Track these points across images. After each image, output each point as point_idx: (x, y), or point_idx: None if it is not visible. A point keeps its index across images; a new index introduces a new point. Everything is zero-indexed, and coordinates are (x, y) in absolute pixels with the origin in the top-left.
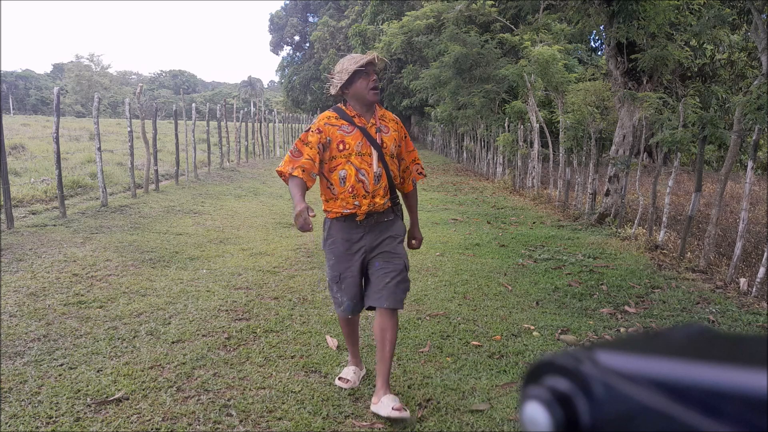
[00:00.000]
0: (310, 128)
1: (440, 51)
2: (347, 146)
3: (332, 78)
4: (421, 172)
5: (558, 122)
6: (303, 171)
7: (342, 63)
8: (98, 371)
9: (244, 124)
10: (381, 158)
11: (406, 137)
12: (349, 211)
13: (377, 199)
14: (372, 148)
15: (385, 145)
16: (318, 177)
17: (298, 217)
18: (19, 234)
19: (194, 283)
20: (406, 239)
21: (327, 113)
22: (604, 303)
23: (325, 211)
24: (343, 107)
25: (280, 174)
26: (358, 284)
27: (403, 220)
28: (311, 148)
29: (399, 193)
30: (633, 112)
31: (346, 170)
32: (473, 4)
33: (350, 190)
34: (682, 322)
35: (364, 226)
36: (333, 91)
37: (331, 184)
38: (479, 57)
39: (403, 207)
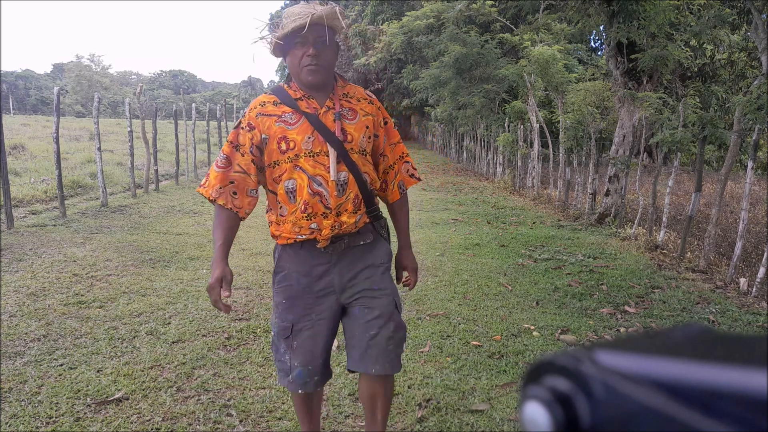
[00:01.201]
0: (239, 122)
1: (440, 51)
2: (291, 144)
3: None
4: (413, 174)
5: (558, 122)
6: (233, 194)
7: (284, 14)
8: (98, 371)
9: None
10: (344, 157)
11: (386, 123)
12: (304, 237)
13: (344, 218)
14: (328, 144)
15: (349, 137)
16: (261, 189)
17: (210, 292)
18: (19, 234)
19: (194, 283)
20: (393, 267)
21: (262, 97)
22: (604, 303)
23: (273, 236)
24: (286, 87)
25: (206, 197)
26: (322, 343)
27: (389, 240)
28: (243, 155)
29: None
30: (633, 112)
31: (295, 180)
32: (473, 4)
33: (303, 208)
34: (682, 322)
35: (330, 255)
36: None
37: (278, 201)
38: (479, 57)
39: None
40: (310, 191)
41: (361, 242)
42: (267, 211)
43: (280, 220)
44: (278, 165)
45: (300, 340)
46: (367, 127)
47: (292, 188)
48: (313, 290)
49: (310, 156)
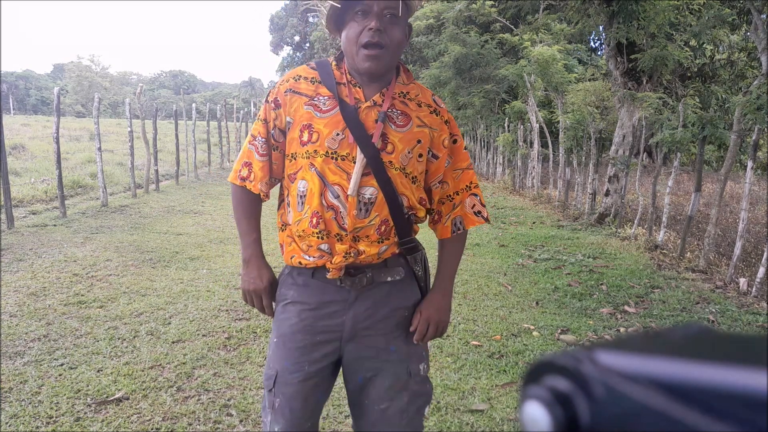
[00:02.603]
0: (268, 93)
1: (440, 51)
2: (315, 136)
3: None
4: (479, 212)
5: (558, 122)
6: (260, 179)
7: None
8: (98, 371)
9: (244, 124)
10: (376, 170)
11: (456, 142)
12: (313, 259)
13: (363, 245)
14: (358, 147)
15: (390, 146)
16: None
17: (254, 296)
18: (19, 234)
19: (194, 283)
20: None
21: (301, 69)
22: (604, 303)
23: (280, 244)
24: (334, 63)
25: (255, 193)
26: (313, 402)
27: (427, 279)
28: (264, 135)
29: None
30: (633, 112)
31: (307, 182)
32: (473, 4)
33: (313, 221)
34: (682, 322)
35: (347, 291)
36: (323, 25)
37: (288, 202)
38: (479, 57)
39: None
40: (324, 203)
41: (389, 278)
42: (278, 207)
43: (286, 227)
44: (295, 159)
45: (284, 399)
46: (419, 141)
47: (303, 192)
48: (314, 330)
49: (332, 157)
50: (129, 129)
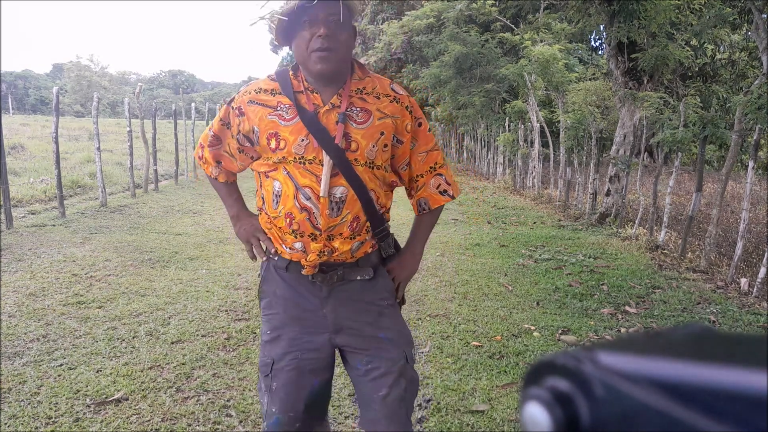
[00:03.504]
0: (232, 99)
1: (440, 50)
2: (282, 144)
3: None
4: (445, 191)
5: (558, 122)
6: (211, 165)
7: None
8: (97, 372)
9: None
10: (343, 169)
11: (420, 125)
12: (289, 252)
13: (337, 243)
14: (323, 151)
15: (353, 145)
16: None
17: (247, 242)
18: (18, 234)
19: (194, 284)
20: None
21: (262, 82)
22: (605, 303)
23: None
24: (292, 74)
25: (207, 174)
26: (308, 385)
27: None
28: (232, 136)
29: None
30: (634, 111)
31: (281, 183)
32: (473, 4)
33: (287, 221)
34: (683, 323)
35: (318, 287)
36: (274, 37)
37: (263, 196)
38: (479, 56)
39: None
40: (297, 205)
41: (359, 277)
42: (256, 191)
43: (264, 217)
44: (267, 160)
45: (280, 382)
46: (382, 134)
47: (278, 192)
48: (301, 322)
49: (300, 162)
50: (128, 129)
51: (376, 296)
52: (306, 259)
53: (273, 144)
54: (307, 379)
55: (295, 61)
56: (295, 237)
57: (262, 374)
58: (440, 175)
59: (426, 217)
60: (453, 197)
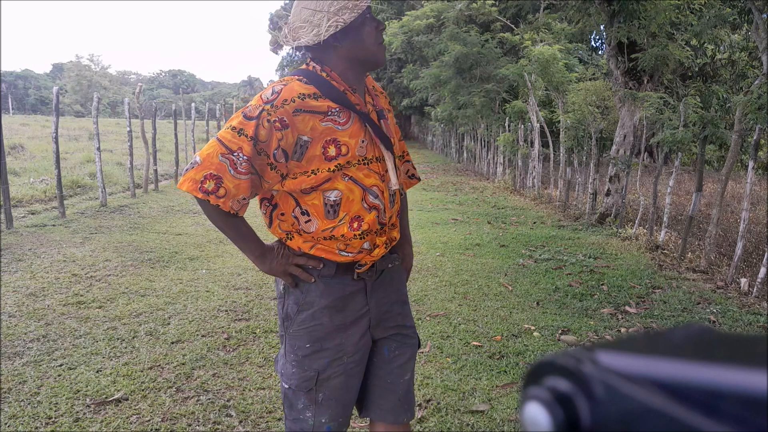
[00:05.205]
0: (260, 112)
1: (440, 50)
2: (344, 150)
3: (307, 20)
4: (413, 175)
5: (558, 122)
6: (234, 196)
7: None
8: (97, 372)
9: None
10: (395, 161)
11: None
12: (351, 255)
13: (394, 233)
14: (383, 148)
15: (392, 139)
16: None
17: (273, 267)
18: (18, 234)
19: (194, 284)
20: None
21: (297, 86)
22: (605, 303)
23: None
24: (321, 73)
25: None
26: (355, 390)
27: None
28: (259, 153)
29: None
30: (634, 111)
31: (341, 191)
32: (473, 4)
33: (354, 225)
34: (683, 323)
35: (363, 282)
36: (306, 40)
37: (305, 212)
38: (479, 56)
39: None
40: (365, 205)
41: (390, 265)
42: (271, 225)
43: (303, 235)
44: (316, 173)
45: (328, 391)
46: (396, 125)
47: (336, 201)
48: (346, 328)
49: (363, 164)
50: (128, 128)
51: (401, 284)
52: (370, 255)
53: (332, 151)
54: (353, 381)
55: (304, 60)
56: (362, 238)
57: (302, 390)
58: (407, 161)
59: (403, 202)
60: (419, 179)
